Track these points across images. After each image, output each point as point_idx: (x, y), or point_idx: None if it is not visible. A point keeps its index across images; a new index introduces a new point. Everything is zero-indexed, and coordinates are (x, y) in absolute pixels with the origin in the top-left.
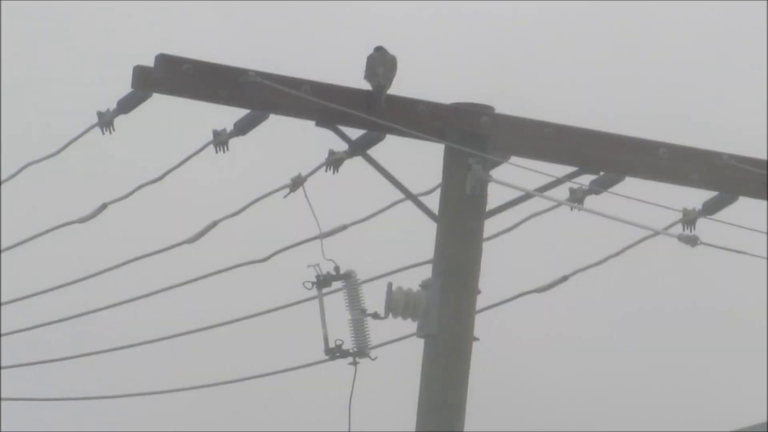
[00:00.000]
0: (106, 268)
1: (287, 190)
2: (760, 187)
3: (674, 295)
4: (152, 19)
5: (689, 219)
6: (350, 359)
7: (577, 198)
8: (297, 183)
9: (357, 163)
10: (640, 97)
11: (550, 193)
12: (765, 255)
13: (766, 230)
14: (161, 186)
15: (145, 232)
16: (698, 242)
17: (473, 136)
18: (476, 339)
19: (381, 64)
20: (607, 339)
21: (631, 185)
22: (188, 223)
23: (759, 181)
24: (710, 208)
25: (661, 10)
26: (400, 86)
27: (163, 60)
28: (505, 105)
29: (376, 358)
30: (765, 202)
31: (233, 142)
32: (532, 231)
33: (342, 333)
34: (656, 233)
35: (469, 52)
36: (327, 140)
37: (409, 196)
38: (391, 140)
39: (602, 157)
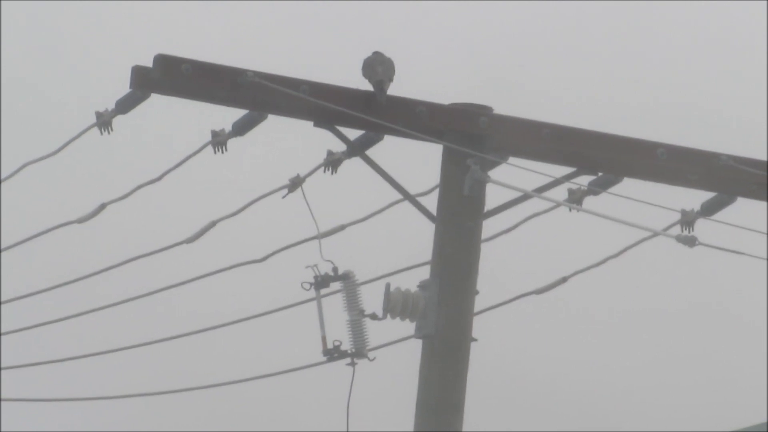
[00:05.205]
0: (104, 268)
1: (286, 191)
2: (758, 188)
3: (673, 296)
4: (151, 19)
5: (688, 220)
6: (348, 360)
7: (575, 199)
8: (295, 183)
9: (355, 163)
10: (638, 97)
11: (548, 193)
12: (764, 256)
13: (765, 231)
14: (160, 186)
15: (143, 233)
16: (696, 243)
17: (471, 137)
18: (474, 340)
19: (379, 63)
20: (606, 340)
21: (630, 186)
22: (187, 224)
23: (758, 182)
24: (709, 209)
25: (660, 10)
26: (399, 87)
27: (162, 60)
28: (504, 105)
29: (374, 358)
30: (763, 203)
31: (232, 143)
32: (531, 232)
33: (340, 334)
34: (655, 234)
35: (467, 53)
36: (325, 141)
37: (408, 196)
38: (389, 141)
39: (601, 158)
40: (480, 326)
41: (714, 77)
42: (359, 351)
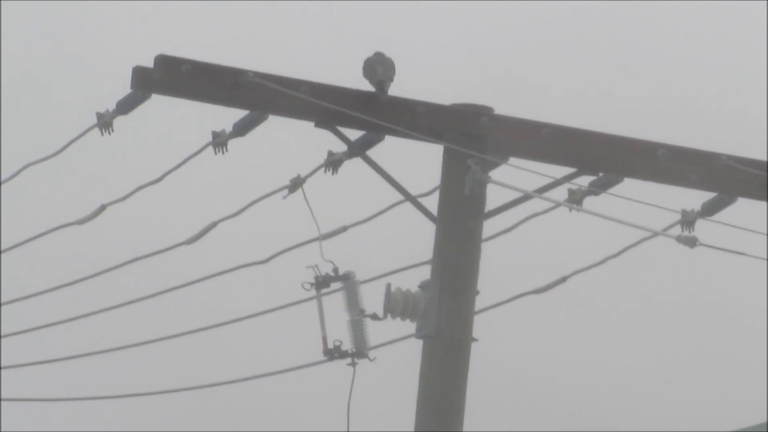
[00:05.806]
0: (104, 269)
1: (286, 191)
2: (759, 188)
3: (673, 296)
4: (151, 19)
5: (688, 220)
6: (349, 360)
7: (575, 199)
8: (296, 184)
9: (356, 164)
10: (639, 97)
11: (548, 194)
12: (764, 256)
13: (765, 231)
14: (160, 187)
15: (144, 234)
16: (697, 243)
17: (472, 137)
18: (475, 340)
19: (380, 63)
20: (606, 340)
21: (630, 186)
22: (187, 224)
23: (758, 182)
24: (709, 210)
25: (661, 9)
26: (399, 87)
27: (163, 61)
28: (504, 106)
29: (374, 359)
30: (764, 203)
31: (232, 143)
32: (531, 232)
33: (341, 334)
34: (655, 234)
35: (467, 53)
36: (326, 141)
37: (408, 197)
38: (390, 141)
39: (601, 158)
40: (480, 326)
41: (715, 76)
42: (360, 351)
